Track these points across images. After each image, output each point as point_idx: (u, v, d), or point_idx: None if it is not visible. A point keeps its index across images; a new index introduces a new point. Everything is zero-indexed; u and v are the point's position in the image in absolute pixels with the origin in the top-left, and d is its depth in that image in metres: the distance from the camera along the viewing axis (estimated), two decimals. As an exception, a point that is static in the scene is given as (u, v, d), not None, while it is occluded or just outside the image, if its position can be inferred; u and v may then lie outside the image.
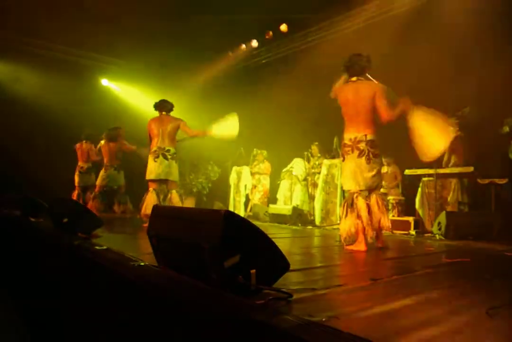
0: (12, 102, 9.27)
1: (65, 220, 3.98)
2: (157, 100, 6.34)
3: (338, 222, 7.29)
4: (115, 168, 8.21)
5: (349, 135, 4.14)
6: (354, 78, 4.24)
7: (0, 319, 3.46)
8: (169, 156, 5.98)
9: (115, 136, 8.13)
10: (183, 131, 6.21)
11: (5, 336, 3.11)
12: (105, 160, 8.23)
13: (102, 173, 8.19)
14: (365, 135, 4.07)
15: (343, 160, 4.24)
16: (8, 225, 5.63)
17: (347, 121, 4.20)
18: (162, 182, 6.05)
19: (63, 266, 3.36)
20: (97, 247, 3.09)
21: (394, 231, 6.36)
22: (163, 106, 6.24)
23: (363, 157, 4.06)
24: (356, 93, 4.12)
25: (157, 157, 5.94)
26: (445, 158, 6.60)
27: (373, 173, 4.08)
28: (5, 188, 7.97)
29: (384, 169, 7.56)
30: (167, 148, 6.00)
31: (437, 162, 6.32)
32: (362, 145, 4.05)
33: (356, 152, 4.07)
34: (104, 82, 11.72)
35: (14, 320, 3.41)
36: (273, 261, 1.91)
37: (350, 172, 4.12)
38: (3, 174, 8.59)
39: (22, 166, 8.86)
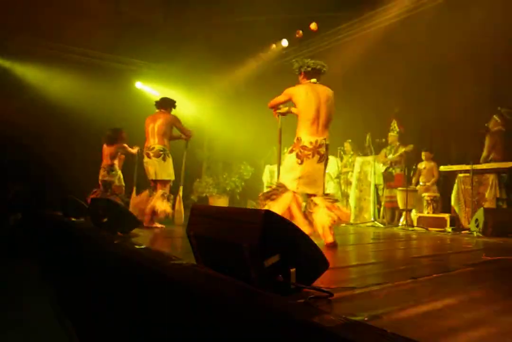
0: (49, 108, 9.53)
1: (105, 219, 4.09)
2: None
3: (372, 219, 7.29)
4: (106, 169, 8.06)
5: (309, 138, 4.00)
6: (313, 80, 4.19)
7: (50, 320, 3.58)
8: (152, 155, 5.78)
9: (114, 138, 8.02)
10: (177, 128, 6.12)
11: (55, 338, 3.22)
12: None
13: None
14: (325, 139, 4.03)
15: (301, 163, 4.00)
16: (51, 225, 5.81)
17: (307, 122, 4.03)
18: (157, 182, 5.84)
19: (103, 264, 3.44)
20: (136, 246, 3.16)
21: (430, 228, 6.28)
22: (162, 103, 6.18)
23: (323, 163, 4.04)
24: (317, 95, 4.05)
25: (147, 157, 5.84)
26: (485, 153, 6.44)
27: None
28: (45, 189, 8.25)
29: (423, 165, 7.43)
30: (152, 146, 5.82)
31: (474, 158, 6.20)
32: (322, 150, 4.00)
33: (317, 157, 3.99)
34: (138, 85, 11.90)
35: (62, 321, 3.52)
36: (312, 259, 1.92)
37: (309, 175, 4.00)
38: (42, 176, 8.87)
39: (61, 169, 9.12)
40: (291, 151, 4.07)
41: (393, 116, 8.14)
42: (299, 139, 4.03)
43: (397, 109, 8.16)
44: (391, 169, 7.77)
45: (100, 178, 7.95)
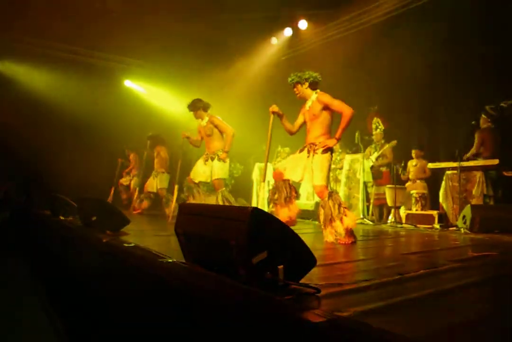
0: (37, 106, 9.46)
1: (94, 218, 4.07)
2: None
3: (361, 216, 7.32)
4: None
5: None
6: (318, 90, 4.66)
7: (38, 319, 3.56)
8: None
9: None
10: None
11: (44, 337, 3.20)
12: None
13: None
14: None
15: None
16: (40, 224, 5.76)
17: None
18: None
19: (93, 263, 3.43)
20: (125, 244, 3.14)
21: (418, 225, 6.33)
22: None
23: None
24: None
25: None
26: (473, 151, 6.49)
27: None
28: (33, 188, 8.18)
29: (413, 162, 7.48)
30: None
31: (461, 155, 6.25)
32: None
33: None
34: (127, 83, 11.83)
35: (52, 319, 3.50)
36: (300, 256, 1.93)
37: None
38: (34, 175, 8.82)
39: (49, 168, 9.05)
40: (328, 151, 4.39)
41: (373, 115, 8.20)
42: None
43: (374, 108, 8.22)
44: (377, 167, 7.83)
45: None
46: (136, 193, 8.74)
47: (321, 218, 4.24)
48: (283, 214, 4.37)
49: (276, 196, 4.51)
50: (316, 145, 4.37)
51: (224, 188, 6.18)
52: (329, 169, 4.44)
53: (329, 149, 4.34)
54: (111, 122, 9.72)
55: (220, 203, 5.88)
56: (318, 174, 4.23)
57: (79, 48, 10.39)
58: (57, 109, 9.50)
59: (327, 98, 4.41)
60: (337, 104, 4.36)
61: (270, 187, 9.25)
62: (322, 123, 4.46)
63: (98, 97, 9.94)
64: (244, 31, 8.92)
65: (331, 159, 4.44)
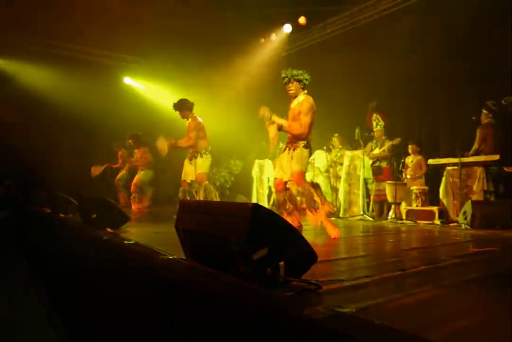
0: (36, 103, 9.44)
1: (94, 215, 4.07)
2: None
3: (361, 213, 7.32)
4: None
5: None
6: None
7: (39, 317, 3.56)
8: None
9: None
10: None
11: (44, 335, 3.20)
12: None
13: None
14: None
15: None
16: (40, 221, 5.76)
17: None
18: None
19: (93, 260, 3.42)
20: (125, 241, 3.14)
21: (418, 221, 6.32)
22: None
23: None
24: None
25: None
26: (475, 146, 6.47)
27: None
28: (32, 185, 8.17)
29: (410, 158, 7.47)
30: None
31: (462, 151, 6.24)
32: None
33: None
34: (127, 80, 11.81)
35: (52, 318, 3.50)
36: (300, 253, 1.92)
37: None
38: (33, 173, 8.82)
39: (49, 165, 9.06)
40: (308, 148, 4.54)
41: (372, 111, 8.18)
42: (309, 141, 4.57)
43: (372, 104, 8.20)
44: (378, 163, 7.81)
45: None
46: (121, 186, 9.17)
47: (304, 204, 4.34)
48: None
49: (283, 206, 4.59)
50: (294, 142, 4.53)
51: (207, 182, 6.27)
52: (307, 163, 4.68)
53: (308, 146, 4.50)
54: (111, 120, 9.70)
55: (202, 196, 5.90)
56: (297, 162, 4.41)
57: (78, 46, 10.38)
58: (57, 106, 9.48)
59: (306, 107, 4.41)
60: (302, 120, 4.40)
61: (270, 184, 9.34)
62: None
63: (98, 94, 9.91)
64: (243, 27, 8.90)
65: (309, 156, 4.64)
